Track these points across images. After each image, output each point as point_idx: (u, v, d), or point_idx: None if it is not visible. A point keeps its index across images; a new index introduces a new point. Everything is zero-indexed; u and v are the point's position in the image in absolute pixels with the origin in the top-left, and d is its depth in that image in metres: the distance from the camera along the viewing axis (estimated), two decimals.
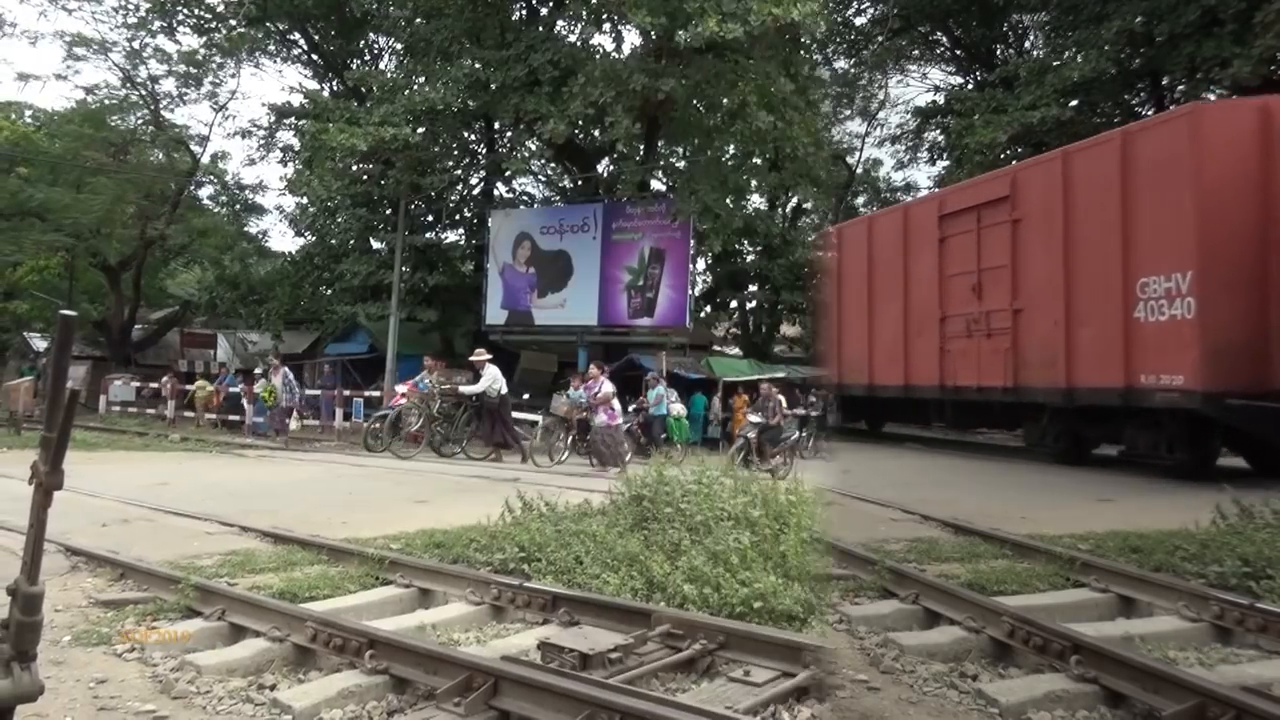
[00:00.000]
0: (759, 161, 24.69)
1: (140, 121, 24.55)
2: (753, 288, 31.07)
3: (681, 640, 4.02)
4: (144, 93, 23.51)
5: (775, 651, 3.83)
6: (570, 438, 13.37)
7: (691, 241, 21.41)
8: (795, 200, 30.86)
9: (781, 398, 14.95)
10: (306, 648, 3.85)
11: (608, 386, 13.26)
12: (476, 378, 14.23)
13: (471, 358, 14.88)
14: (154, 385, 23.29)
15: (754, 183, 26.01)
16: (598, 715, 2.95)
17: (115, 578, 5.04)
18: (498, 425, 13.95)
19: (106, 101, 24.03)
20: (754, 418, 14.87)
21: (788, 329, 33.83)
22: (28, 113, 30.10)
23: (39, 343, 31.06)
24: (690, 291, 22.38)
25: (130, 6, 22.45)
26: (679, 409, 16.90)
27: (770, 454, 13.49)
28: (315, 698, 3.35)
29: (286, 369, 17.44)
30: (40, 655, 1.98)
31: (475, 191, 27.26)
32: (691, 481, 5.98)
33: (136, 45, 22.73)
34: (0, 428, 16.70)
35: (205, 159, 26.33)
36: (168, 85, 23.33)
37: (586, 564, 5.22)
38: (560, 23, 22.51)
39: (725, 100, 19.26)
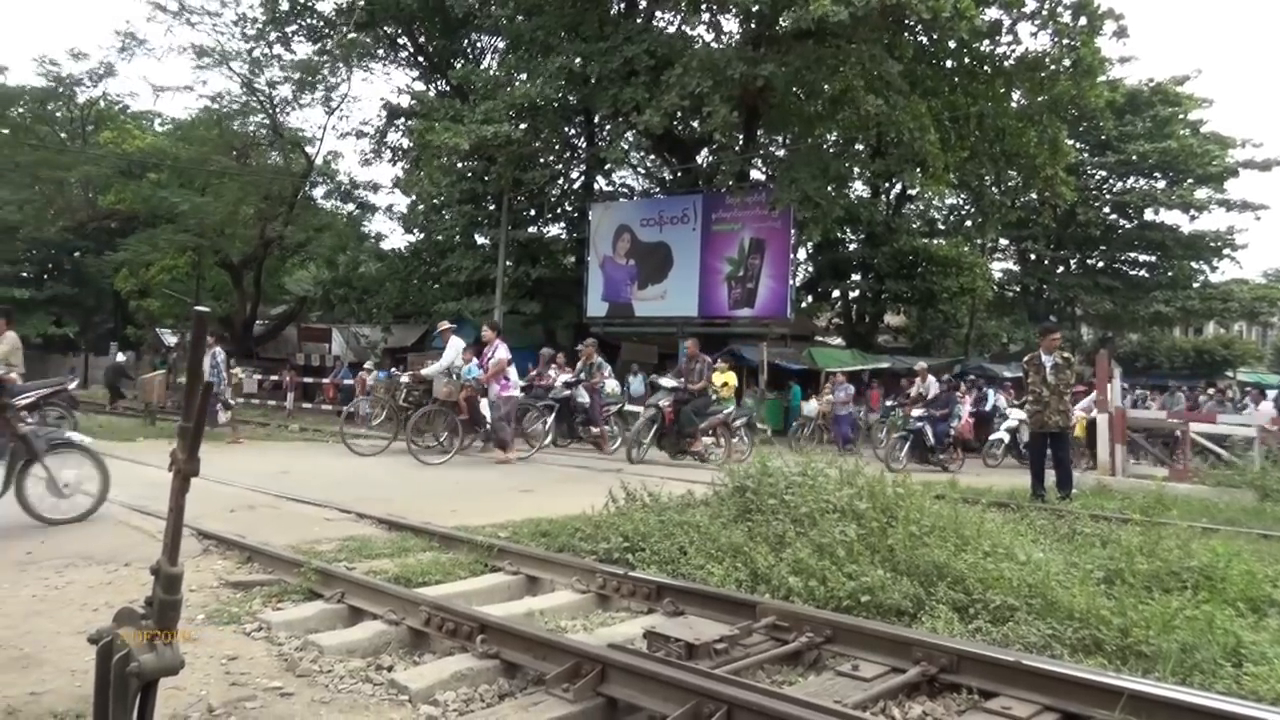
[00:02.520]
0: (861, 148, 24.22)
1: (259, 126, 25.69)
2: (856, 276, 30.53)
3: (787, 633, 3.99)
4: (263, 99, 24.61)
5: (884, 646, 3.76)
6: (455, 425, 11.52)
7: (792, 231, 21.16)
8: (899, 186, 30.14)
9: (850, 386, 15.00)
10: (421, 631, 3.97)
11: (502, 352, 11.40)
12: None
13: (440, 327, 13.17)
14: (274, 378, 24.41)
15: (856, 170, 25.54)
16: (704, 705, 2.95)
17: (243, 560, 5.30)
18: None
19: (229, 108, 25.25)
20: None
21: (892, 318, 33.12)
22: (157, 121, 31.96)
23: (170, 338, 32.91)
24: (791, 281, 22.14)
25: (249, 19, 23.54)
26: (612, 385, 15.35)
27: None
28: (430, 679, 3.45)
29: (218, 349, 14.11)
30: (178, 632, 2.09)
31: (576, 185, 27.57)
32: (796, 473, 5.92)
33: (256, 54, 23.79)
34: (136, 418, 17.74)
35: (319, 160, 27.36)
36: (284, 91, 24.38)
37: (690, 554, 5.23)
38: (658, 13, 22.53)
39: (826, 86, 18.94)
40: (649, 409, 12.51)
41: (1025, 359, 9.95)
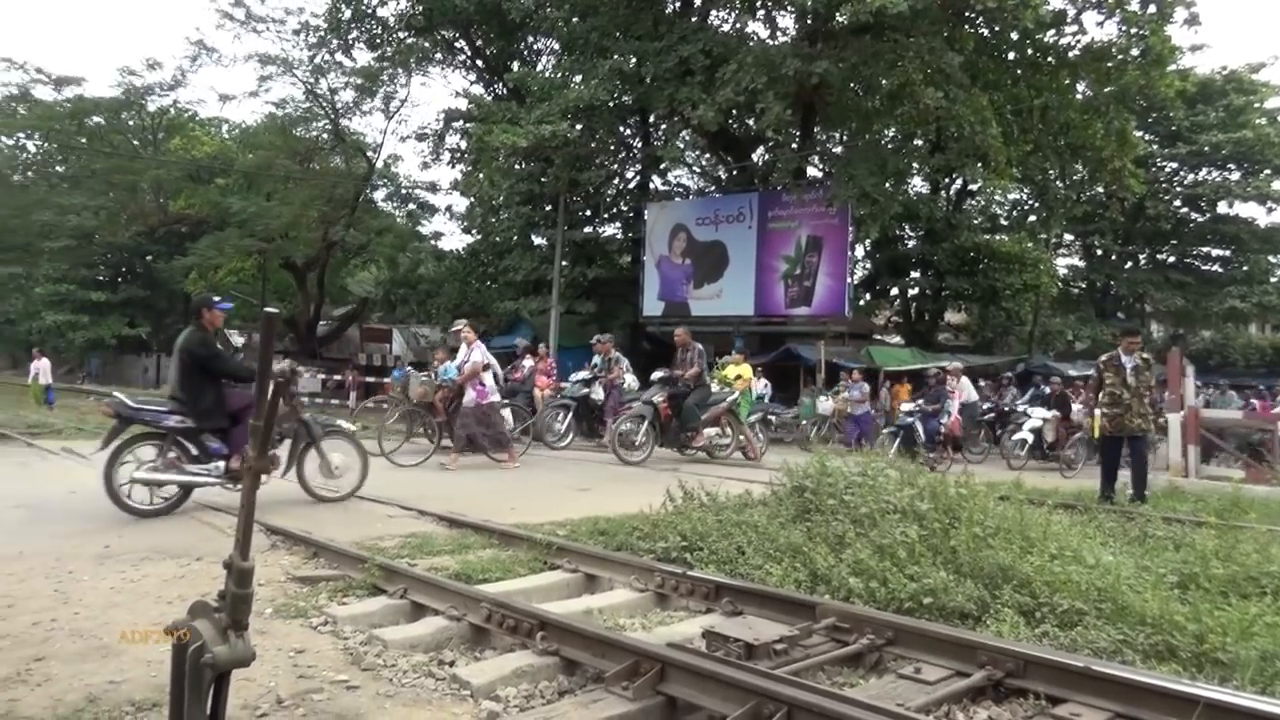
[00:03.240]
0: (920, 143, 23.87)
1: (322, 131, 26.24)
2: (915, 274, 30.07)
3: (848, 634, 3.95)
4: (324, 104, 25.12)
5: (948, 649, 3.70)
6: (430, 426, 11.01)
7: (850, 228, 20.93)
8: (960, 181, 29.61)
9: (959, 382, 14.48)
10: (481, 627, 4.02)
11: (477, 355, 10.81)
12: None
13: (453, 328, 12.53)
14: (337, 378, 24.92)
15: (915, 165, 25.18)
16: (765, 706, 2.94)
17: (309, 556, 5.42)
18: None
19: (292, 115, 25.84)
20: (909, 405, 14.43)
21: (953, 316, 32.54)
22: (224, 128, 32.85)
23: (237, 339, 33.78)
24: (849, 279, 21.89)
25: (311, 27, 24.05)
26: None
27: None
28: (491, 675, 3.49)
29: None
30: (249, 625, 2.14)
31: (631, 185, 27.65)
32: (856, 473, 5.85)
33: (318, 61, 24.31)
34: None
35: (379, 164, 27.85)
36: (346, 96, 24.85)
37: (749, 554, 5.20)
38: (714, 12, 22.47)
39: (885, 81, 18.70)
40: (644, 405, 11.61)
41: (1102, 359, 9.73)
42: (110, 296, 33.43)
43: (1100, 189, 26.94)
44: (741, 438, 12.62)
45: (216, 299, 7.77)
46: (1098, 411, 13.04)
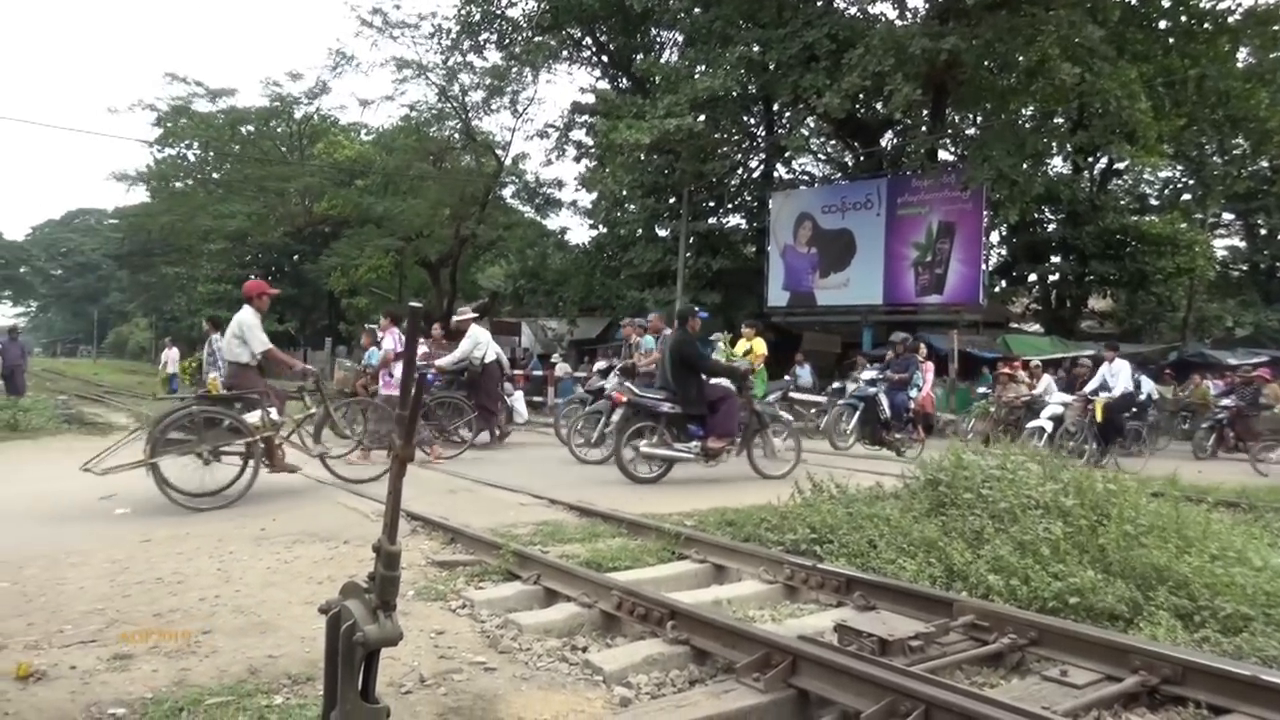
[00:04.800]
0: (1061, 121, 22.71)
1: (453, 131, 27.08)
2: (1055, 259, 28.64)
3: (988, 633, 3.81)
4: (456, 105, 25.89)
5: (1097, 652, 3.53)
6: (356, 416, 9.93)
7: (985, 212, 20.13)
8: (1105, 160, 28.01)
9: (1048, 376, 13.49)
10: (613, 615, 4.08)
11: (388, 343, 10.31)
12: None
13: (454, 318, 11.93)
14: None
15: (1055, 145, 23.98)
16: (900, 703, 2.87)
17: (447, 541, 5.63)
18: (479, 402, 11.08)
19: (426, 116, 26.77)
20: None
21: (1097, 302, 30.85)
22: (363, 132, 34.35)
23: (377, 334, 35.23)
24: (983, 265, 21.06)
25: (444, 30, 24.84)
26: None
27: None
28: (623, 662, 3.54)
29: (216, 335, 11.88)
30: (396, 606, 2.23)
31: (755, 175, 27.41)
32: (994, 466, 5.64)
33: (450, 63, 25.08)
34: None
35: (508, 161, 28.52)
36: (476, 96, 25.55)
37: (881, 548, 5.09)
38: None
39: (1021, 58, 17.87)
40: (603, 400, 10.77)
41: None
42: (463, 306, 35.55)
43: (1265, 163, 24.93)
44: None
45: (697, 308, 9.60)
46: (1103, 394, 12.01)
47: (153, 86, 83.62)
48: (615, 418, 9.53)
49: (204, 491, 6.84)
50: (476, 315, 11.84)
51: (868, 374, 12.36)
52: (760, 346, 12.41)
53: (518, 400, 11.23)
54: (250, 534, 5.78)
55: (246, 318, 7.65)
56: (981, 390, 16.17)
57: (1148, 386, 14.90)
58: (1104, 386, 12.40)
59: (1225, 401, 13.41)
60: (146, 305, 45.02)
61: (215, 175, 33.23)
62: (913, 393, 12.51)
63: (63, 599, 4.24)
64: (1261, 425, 13.95)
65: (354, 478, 7.88)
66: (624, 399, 8.75)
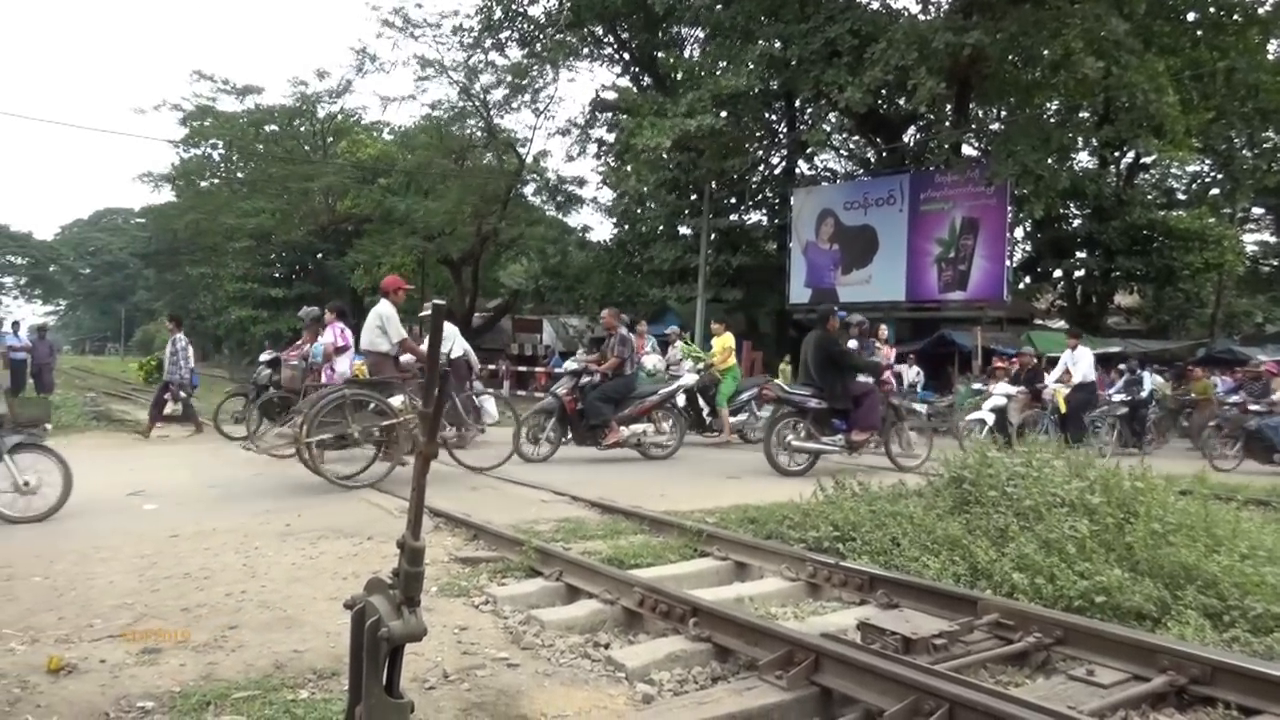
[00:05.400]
0: (1087, 115, 22.47)
1: (475, 129, 27.15)
2: (1081, 254, 28.34)
3: (1012, 631, 3.79)
4: (477, 103, 25.94)
5: (1124, 651, 3.49)
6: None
7: (1009, 207, 19.96)
8: (1132, 155, 27.68)
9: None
10: (635, 611, 4.08)
11: (328, 336, 9.57)
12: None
13: (425, 309, 11.41)
14: (490, 367, 25.79)
15: (1080, 139, 23.73)
16: (924, 702, 2.85)
17: (469, 538, 5.65)
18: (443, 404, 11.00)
19: (447, 115, 26.85)
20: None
21: (1123, 298, 30.51)
22: (385, 130, 34.51)
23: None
24: (1008, 261, 20.90)
25: (465, 29, 24.90)
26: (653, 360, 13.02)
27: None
28: (645, 659, 3.55)
29: (179, 335, 12.92)
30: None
31: (776, 171, 27.30)
32: (1018, 464, 5.59)
33: (472, 62, 25.14)
34: None
35: (529, 159, 28.58)
36: (497, 95, 25.58)
37: (904, 546, 5.07)
38: None
39: (1046, 52, 17.69)
40: (550, 398, 10.50)
41: None
42: (286, 292, 35.74)
43: None
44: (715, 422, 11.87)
45: (835, 308, 10.11)
46: (1059, 385, 11.71)
47: (180, 85, 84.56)
48: (766, 414, 10.21)
49: (349, 474, 7.48)
50: (443, 306, 11.30)
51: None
52: (728, 341, 12.40)
53: (487, 401, 10.70)
54: (275, 530, 5.84)
55: (386, 310, 8.41)
56: (976, 386, 15.98)
57: (1149, 383, 14.66)
58: (1114, 383, 12.20)
59: (1234, 398, 13.08)
60: (173, 303, 45.49)
61: (240, 174, 33.49)
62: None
63: (93, 593, 4.30)
64: None
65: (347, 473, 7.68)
66: (773, 395, 9.43)
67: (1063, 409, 11.68)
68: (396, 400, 7.87)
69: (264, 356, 12.34)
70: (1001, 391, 12.55)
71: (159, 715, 2.96)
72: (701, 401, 12.17)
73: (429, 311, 2.82)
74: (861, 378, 9.42)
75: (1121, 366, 16.37)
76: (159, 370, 12.61)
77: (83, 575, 4.62)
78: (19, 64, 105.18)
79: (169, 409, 12.62)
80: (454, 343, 11.12)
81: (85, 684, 3.18)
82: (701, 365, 12.32)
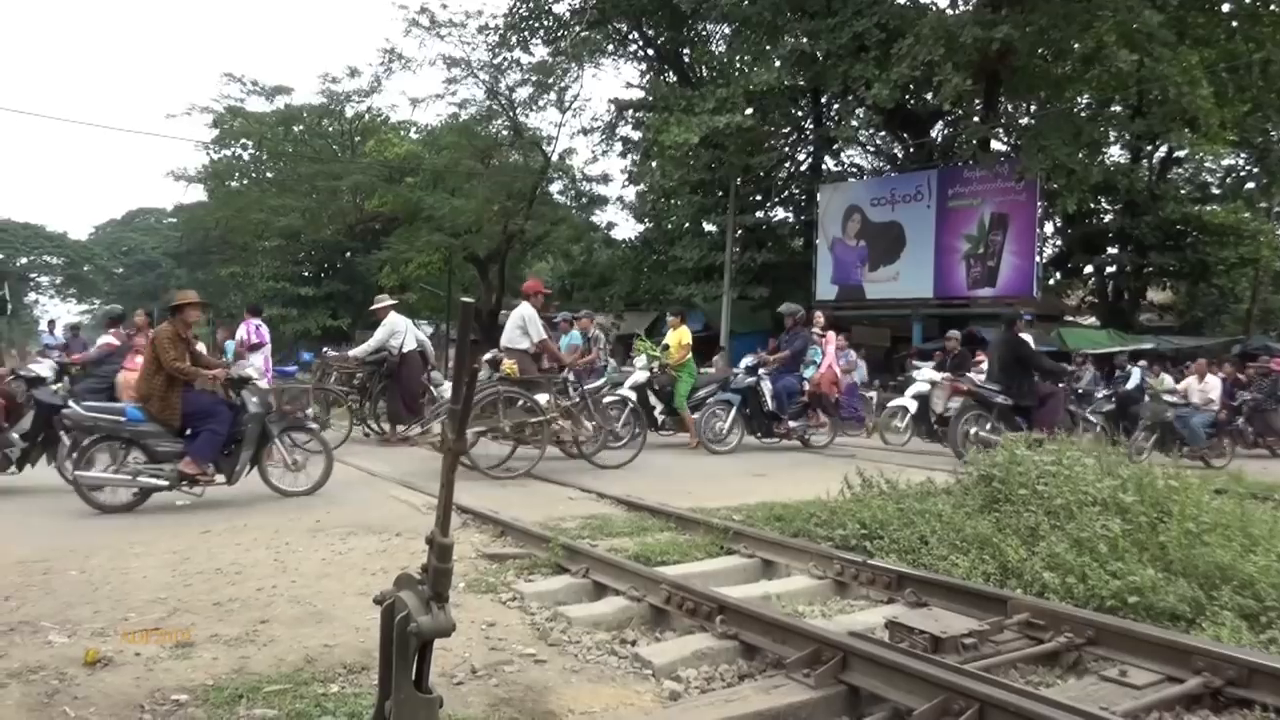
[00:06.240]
0: (1119, 109, 22.16)
1: (501, 128, 27.22)
2: (1113, 250, 27.95)
3: (1043, 631, 3.75)
4: (503, 102, 26.01)
5: (1157, 652, 3.45)
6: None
7: (1039, 203, 19.73)
8: (1165, 148, 27.24)
9: None
10: (661, 609, 4.08)
11: (242, 332, 9.51)
12: None
13: (376, 304, 11.35)
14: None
15: (1112, 133, 23.39)
16: (954, 701, 2.83)
17: (497, 534, 5.68)
18: (394, 394, 10.79)
19: (474, 114, 26.95)
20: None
21: (1156, 294, 30.07)
22: (413, 130, 34.71)
23: (426, 328, 35.63)
24: (1038, 257, 20.66)
25: (491, 27, 24.97)
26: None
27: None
28: (672, 656, 3.55)
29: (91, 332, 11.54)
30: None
31: (803, 167, 27.15)
32: (1049, 462, 5.53)
33: (498, 60, 25.20)
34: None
35: (554, 157, 28.61)
36: (523, 93, 25.63)
37: (932, 544, 5.03)
38: None
39: (1077, 44, 17.46)
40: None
41: None
42: (315, 291, 36.06)
43: None
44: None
45: (1022, 312, 10.96)
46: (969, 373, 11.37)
47: (210, 87, 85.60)
48: (954, 405, 10.49)
49: (499, 463, 8.23)
50: (395, 303, 11.26)
51: (746, 361, 11.31)
52: (685, 337, 11.53)
53: (446, 392, 10.49)
54: (305, 526, 5.89)
55: (527, 312, 8.92)
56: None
57: (1137, 377, 14.25)
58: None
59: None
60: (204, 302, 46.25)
61: (269, 174, 33.81)
62: (808, 373, 11.46)
63: (127, 587, 4.36)
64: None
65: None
66: (964, 388, 10.00)
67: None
68: (544, 397, 8.46)
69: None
70: (925, 378, 11.95)
71: (193, 708, 3.00)
72: (654, 399, 11.24)
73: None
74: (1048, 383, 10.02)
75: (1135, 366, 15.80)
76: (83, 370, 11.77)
77: (117, 570, 4.69)
78: (55, 68, 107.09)
79: None
80: (406, 335, 10.93)
81: (121, 676, 3.23)
82: (656, 363, 11.33)
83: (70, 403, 6.90)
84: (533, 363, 8.90)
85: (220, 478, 6.79)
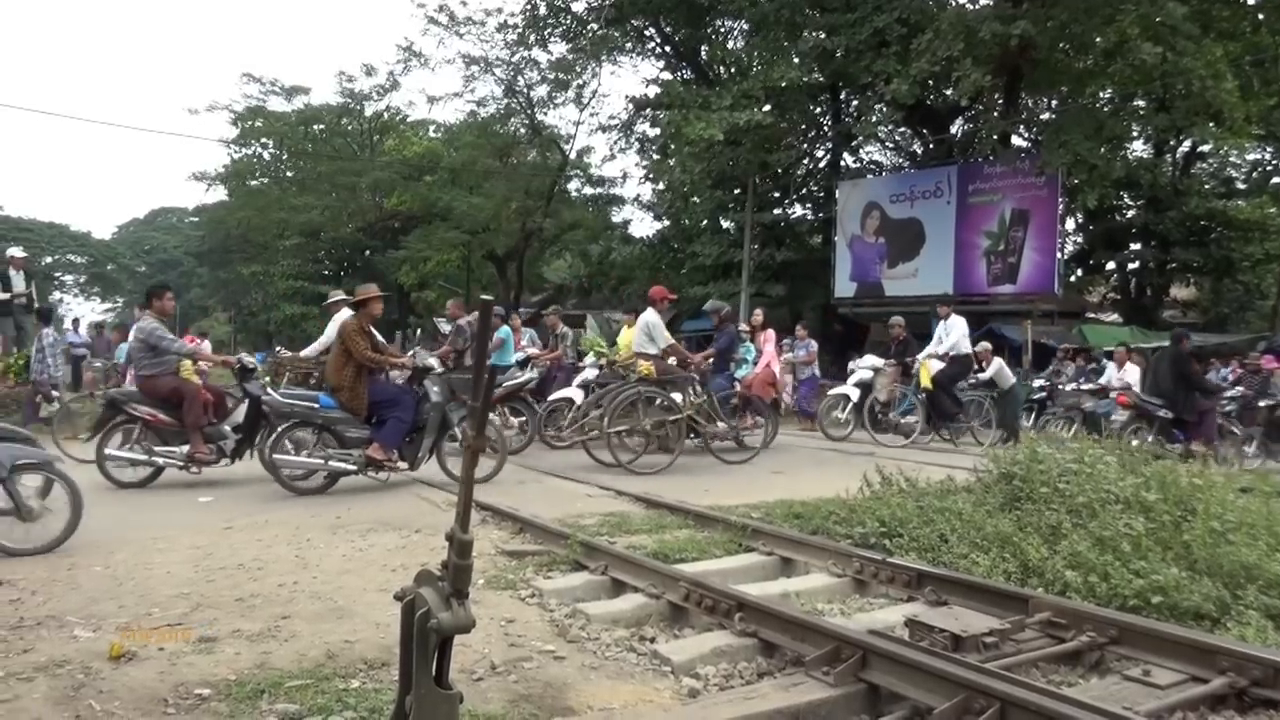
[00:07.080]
0: (1141, 103, 21.93)
1: (519, 126, 27.28)
2: (1135, 246, 27.68)
3: (1065, 630, 3.72)
4: (521, 100, 26.06)
5: (1181, 652, 3.41)
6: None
7: (1060, 198, 19.55)
8: (1189, 143, 26.95)
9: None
10: (680, 606, 4.09)
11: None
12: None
13: (329, 299, 10.75)
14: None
15: (1135, 128, 23.15)
16: (974, 700, 2.82)
17: (516, 531, 5.70)
18: None
19: (493, 112, 27.02)
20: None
21: (1180, 291, 29.76)
22: (431, 128, 34.84)
23: (445, 326, 35.75)
24: (1059, 254, 20.48)
25: (510, 25, 25.01)
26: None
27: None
28: (691, 653, 3.55)
29: (47, 330, 12.00)
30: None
31: (821, 164, 27.04)
32: (1070, 460, 5.48)
33: (516, 59, 25.24)
34: None
35: (572, 155, 28.63)
36: (540, 91, 25.66)
37: (952, 542, 5.00)
38: None
39: (1099, 38, 17.29)
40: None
41: None
42: (335, 289, 36.39)
43: None
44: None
45: (1187, 332, 11.32)
46: (930, 359, 11.19)
47: (230, 87, 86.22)
48: (1119, 418, 11.07)
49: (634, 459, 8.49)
50: (346, 298, 9.78)
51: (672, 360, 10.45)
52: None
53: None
54: (326, 523, 5.93)
55: (652, 318, 9.28)
56: (1038, 383, 15.53)
57: (1110, 373, 13.82)
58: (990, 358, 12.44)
59: (1232, 392, 12.40)
60: (226, 300, 46.49)
61: (289, 173, 34.04)
62: (740, 372, 11.00)
63: (151, 583, 4.41)
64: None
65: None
66: (1129, 401, 10.60)
67: (924, 383, 11.13)
68: (679, 396, 8.88)
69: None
70: (868, 365, 11.61)
71: (216, 702, 3.03)
72: None
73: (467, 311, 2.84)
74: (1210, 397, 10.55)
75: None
76: (26, 369, 11.78)
77: (141, 565, 4.74)
78: (77, 69, 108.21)
79: (43, 411, 11.25)
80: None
81: (145, 671, 3.26)
82: (604, 360, 10.89)
83: (269, 391, 7.28)
84: (665, 364, 9.17)
85: (403, 464, 7.19)
